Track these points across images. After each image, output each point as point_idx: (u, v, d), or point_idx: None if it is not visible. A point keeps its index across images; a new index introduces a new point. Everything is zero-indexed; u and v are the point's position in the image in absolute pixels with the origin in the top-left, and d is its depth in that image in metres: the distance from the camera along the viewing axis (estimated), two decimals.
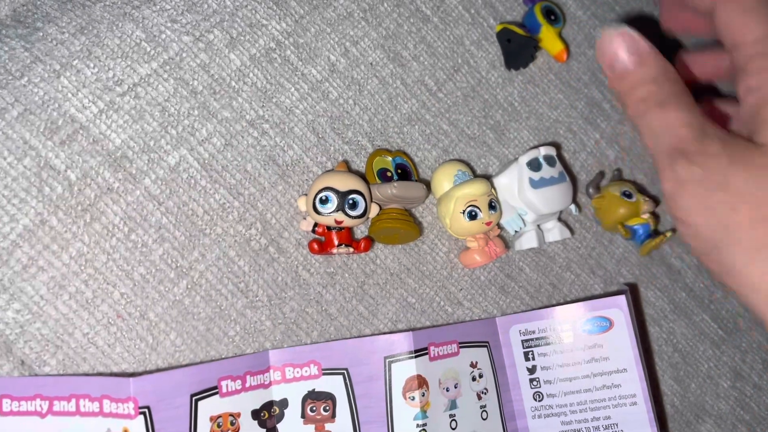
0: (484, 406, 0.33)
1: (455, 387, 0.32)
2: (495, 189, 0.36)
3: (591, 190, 0.40)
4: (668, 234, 0.39)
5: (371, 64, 0.36)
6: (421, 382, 0.31)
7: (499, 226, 0.36)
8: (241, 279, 0.31)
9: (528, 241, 0.37)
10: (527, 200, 0.35)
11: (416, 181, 0.35)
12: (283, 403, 0.30)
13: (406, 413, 0.30)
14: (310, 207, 0.31)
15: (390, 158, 0.35)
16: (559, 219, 0.38)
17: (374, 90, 0.36)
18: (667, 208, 0.26)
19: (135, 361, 0.29)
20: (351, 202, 0.31)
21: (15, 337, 0.27)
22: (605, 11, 0.45)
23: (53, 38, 0.30)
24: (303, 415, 0.30)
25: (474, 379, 0.33)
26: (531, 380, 0.35)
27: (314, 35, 0.35)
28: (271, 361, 0.30)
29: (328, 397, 0.30)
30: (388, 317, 0.34)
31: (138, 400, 0.26)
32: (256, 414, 0.29)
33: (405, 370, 0.31)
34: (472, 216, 0.34)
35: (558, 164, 0.37)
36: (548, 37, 0.40)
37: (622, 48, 0.28)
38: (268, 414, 0.29)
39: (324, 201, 0.31)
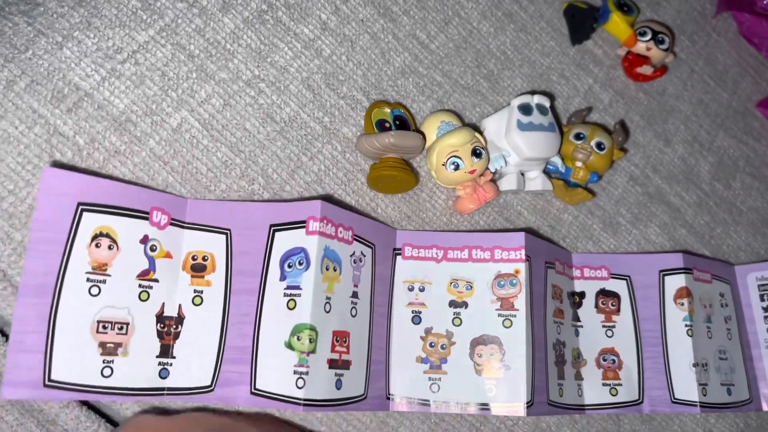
0: (729, 330, 0.41)
1: (710, 306, 0.40)
2: (483, 131, 0.37)
3: (573, 119, 0.40)
4: (582, 195, 0.40)
5: (362, 20, 0.37)
6: (688, 292, 0.38)
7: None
8: None
9: (507, 183, 0.37)
10: (512, 141, 0.36)
11: (414, 131, 0.36)
12: (582, 294, 0.38)
13: (676, 314, 0.38)
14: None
15: (388, 110, 0.36)
16: (544, 172, 0.39)
17: (366, 45, 0.37)
18: None
19: None
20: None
21: None
22: None
23: (54, 12, 0.31)
24: (596, 305, 0.38)
25: (722, 306, 0.41)
26: (765, 317, 0.41)
27: None
28: (574, 261, 0.39)
29: (615, 295, 0.38)
30: None
31: (526, 248, 0.33)
32: (571, 295, 0.38)
33: (676, 281, 0.38)
34: (455, 166, 0.35)
35: (549, 115, 0.37)
36: (618, 25, 0.44)
37: None
38: (578, 298, 0.39)
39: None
